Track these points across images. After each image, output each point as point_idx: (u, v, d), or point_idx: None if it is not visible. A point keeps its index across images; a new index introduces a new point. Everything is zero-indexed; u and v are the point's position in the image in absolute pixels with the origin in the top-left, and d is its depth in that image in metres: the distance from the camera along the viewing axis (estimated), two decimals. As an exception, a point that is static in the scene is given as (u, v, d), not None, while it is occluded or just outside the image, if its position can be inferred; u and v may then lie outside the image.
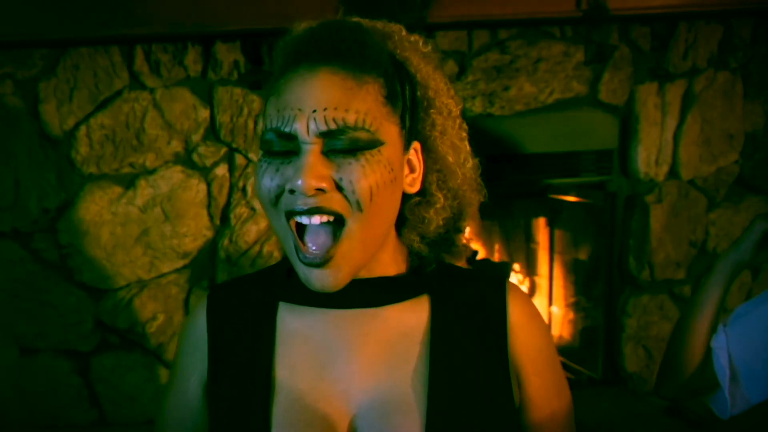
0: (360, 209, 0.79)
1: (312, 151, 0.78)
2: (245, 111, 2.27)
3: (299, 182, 0.77)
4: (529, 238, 2.79)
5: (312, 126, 0.78)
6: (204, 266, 2.33)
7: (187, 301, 2.35)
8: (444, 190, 0.89)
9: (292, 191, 0.79)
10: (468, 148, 0.92)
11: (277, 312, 0.90)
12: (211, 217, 2.32)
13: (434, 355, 0.86)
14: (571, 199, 2.59)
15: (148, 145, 2.25)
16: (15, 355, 2.31)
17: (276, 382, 0.86)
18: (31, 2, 2.02)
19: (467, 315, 0.89)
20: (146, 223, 2.28)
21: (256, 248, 2.33)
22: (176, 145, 2.27)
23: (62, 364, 2.33)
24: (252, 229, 2.32)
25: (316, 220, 0.79)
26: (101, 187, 2.26)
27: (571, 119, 2.43)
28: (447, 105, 0.89)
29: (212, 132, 2.28)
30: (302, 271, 0.81)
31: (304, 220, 0.79)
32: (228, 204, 2.31)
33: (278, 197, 0.81)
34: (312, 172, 0.77)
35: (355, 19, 0.88)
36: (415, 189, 0.87)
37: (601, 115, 2.46)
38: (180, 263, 2.32)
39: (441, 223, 0.89)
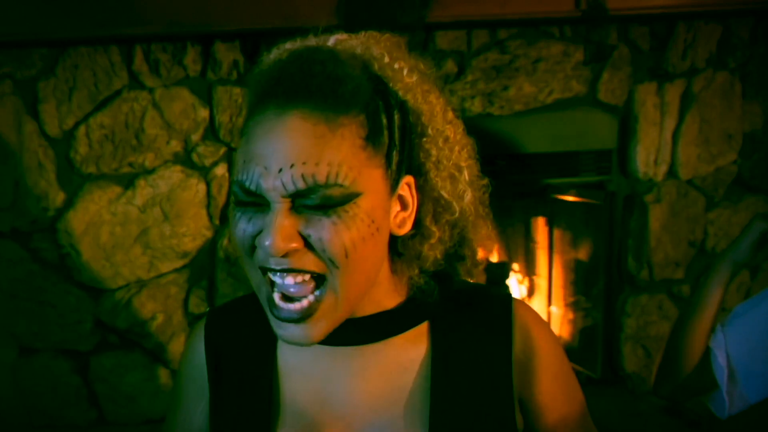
0: (336, 266, 0.74)
1: (280, 209, 0.73)
2: (245, 111, 2.26)
3: (267, 243, 0.72)
4: (528, 238, 2.79)
5: (278, 185, 0.72)
6: (203, 266, 2.33)
7: (187, 300, 2.35)
8: (440, 222, 0.82)
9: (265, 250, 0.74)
10: (468, 177, 0.84)
11: (276, 346, 0.88)
12: (210, 216, 2.32)
13: (435, 388, 0.84)
14: (571, 198, 2.59)
15: (147, 145, 2.25)
16: (14, 354, 2.31)
17: (278, 418, 0.86)
18: (31, 2, 2.02)
19: (470, 340, 0.86)
20: (145, 223, 2.28)
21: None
22: (175, 145, 2.27)
23: (61, 363, 2.33)
24: (251, 228, 2.31)
25: (290, 280, 0.75)
26: (100, 187, 2.26)
27: (571, 119, 2.43)
28: (443, 132, 0.81)
29: (211, 132, 2.28)
30: (276, 325, 0.77)
31: (278, 279, 0.75)
32: (227, 204, 2.31)
33: (253, 248, 0.76)
34: (280, 233, 0.72)
35: (335, 37, 0.81)
36: (405, 230, 0.80)
37: (600, 115, 2.46)
38: (179, 263, 2.32)
39: (439, 256, 0.84)
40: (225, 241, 2.32)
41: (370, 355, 0.85)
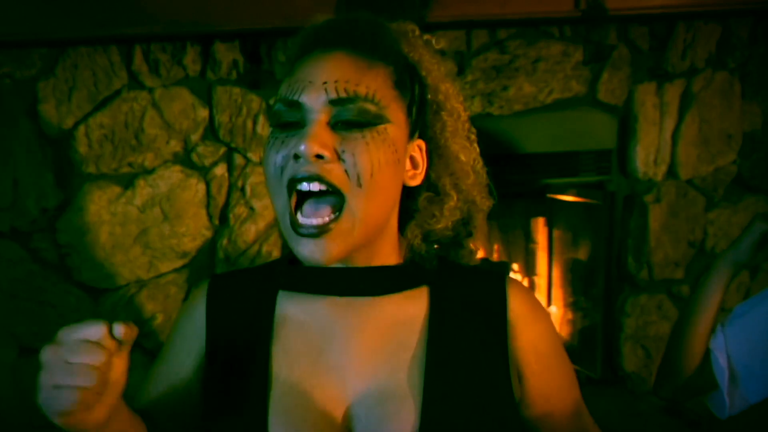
0: (360, 184, 0.80)
1: (318, 120, 0.80)
2: (244, 111, 2.27)
3: (302, 146, 0.79)
4: (528, 238, 2.79)
5: (322, 95, 0.81)
6: (203, 266, 2.33)
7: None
8: (458, 191, 0.91)
9: (296, 156, 0.80)
10: (478, 150, 0.94)
11: (276, 300, 0.90)
12: (210, 216, 2.32)
13: (432, 344, 0.86)
14: (570, 198, 2.59)
15: (147, 145, 2.25)
16: (14, 354, 2.31)
17: (273, 369, 0.86)
18: (31, 2, 2.02)
19: (467, 308, 0.90)
20: (145, 223, 2.28)
21: (255, 248, 2.33)
22: (175, 145, 2.27)
23: (61, 363, 2.32)
24: (251, 228, 2.32)
25: (316, 186, 0.80)
26: (100, 187, 2.26)
27: (570, 119, 2.43)
28: (457, 108, 0.92)
29: (211, 132, 2.28)
30: (296, 242, 0.82)
31: (305, 186, 0.80)
32: (227, 204, 2.31)
33: (283, 169, 0.82)
34: (316, 138, 0.79)
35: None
36: (415, 182, 0.89)
37: (600, 115, 2.46)
38: (179, 263, 2.32)
39: (449, 225, 0.91)
40: (224, 241, 2.32)
41: (368, 310, 0.87)
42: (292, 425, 0.83)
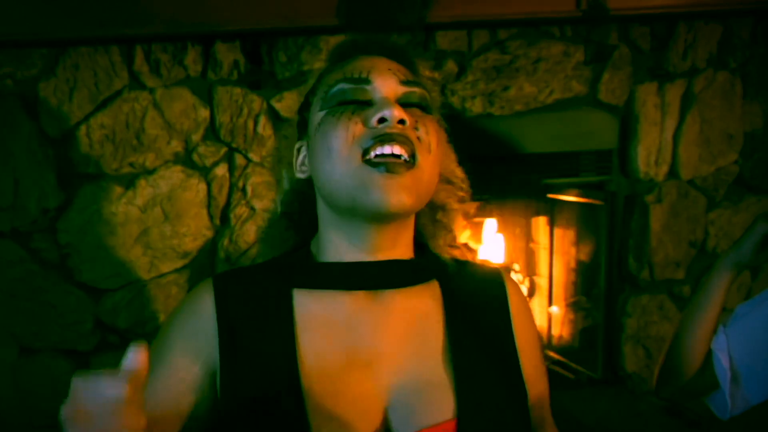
0: (429, 151, 0.85)
1: (392, 96, 0.85)
2: (245, 111, 2.27)
3: (389, 111, 0.81)
4: (528, 238, 2.79)
5: (391, 76, 0.86)
6: (204, 266, 2.33)
7: (187, 300, 2.35)
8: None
9: (382, 120, 0.82)
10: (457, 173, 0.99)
11: (292, 299, 0.88)
12: (211, 217, 2.32)
13: (452, 333, 0.89)
14: (571, 198, 2.59)
15: (147, 145, 2.25)
16: (14, 354, 2.30)
17: (304, 370, 0.84)
18: (31, 2, 2.02)
19: (474, 299, 0.94)
20: (146, 223, 2.28)
21: (256, 248, 2.32)
22: (176, 145, 2.27)
23: (61, 363, 2.32)
24: (252, 228, 2.32)
25: (398, 149, 0.81)
26: (101, 187, 2.26)
27: (571, 119, 2.43)
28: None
29: (212, 132, 2.28)
30: (368, 181, 0.81)
31: (386, 149, 0.81)
32: (228, 204, 2.31)
33: (354, 137, 0.83)
34: (398, 106, 0.83)
35: None
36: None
37: (601, 115, 2.46)
38: (180, 263, 2.32)
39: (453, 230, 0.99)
40: (225, 241, 2.32)
41: (389, 303, 0.88)
42: (334, 428, 0.81)
